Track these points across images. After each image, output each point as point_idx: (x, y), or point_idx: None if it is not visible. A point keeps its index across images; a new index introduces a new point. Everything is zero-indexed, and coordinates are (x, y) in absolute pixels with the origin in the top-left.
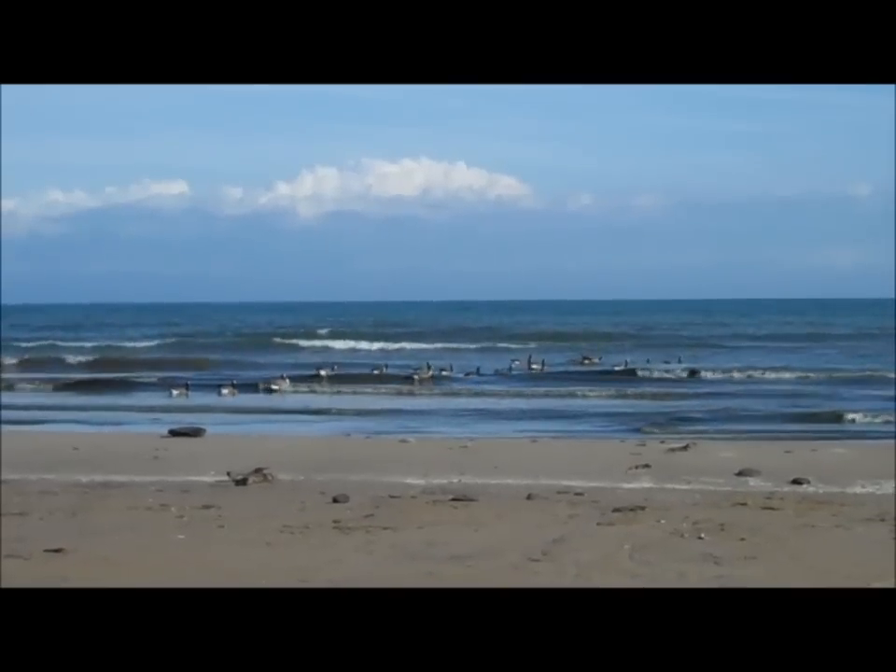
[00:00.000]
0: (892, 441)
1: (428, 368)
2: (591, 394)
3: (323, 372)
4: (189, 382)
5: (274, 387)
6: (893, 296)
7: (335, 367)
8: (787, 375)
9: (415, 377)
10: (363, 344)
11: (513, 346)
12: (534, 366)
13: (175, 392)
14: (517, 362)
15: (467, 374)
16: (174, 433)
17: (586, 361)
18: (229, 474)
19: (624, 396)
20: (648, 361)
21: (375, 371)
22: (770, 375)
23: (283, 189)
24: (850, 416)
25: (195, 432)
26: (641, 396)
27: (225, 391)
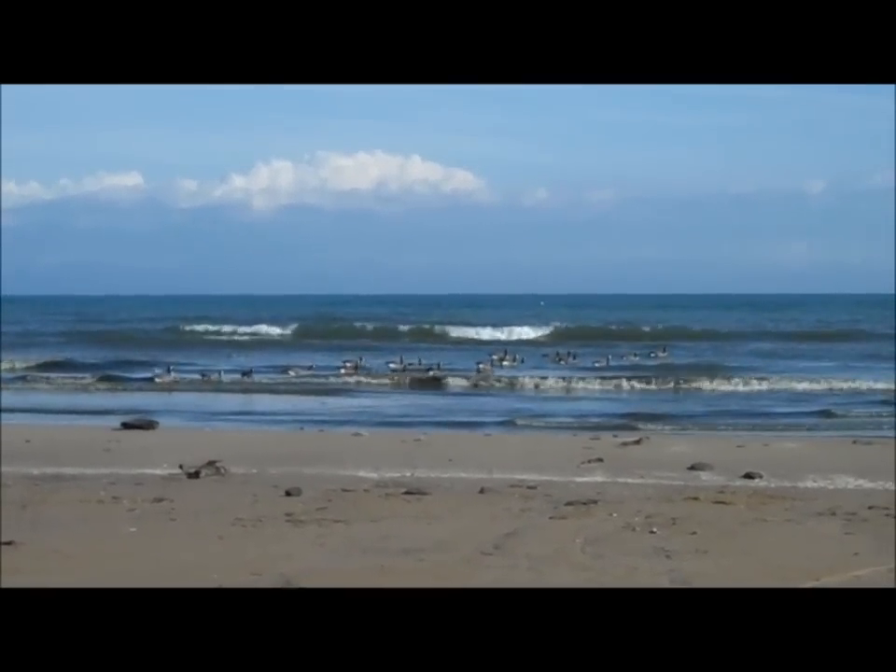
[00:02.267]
0: (844, 437)
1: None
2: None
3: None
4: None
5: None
6: (847, 291)
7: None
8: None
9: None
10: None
11: (484, 341)
12: (504, 362)
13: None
14: (482, 364)
15: (439, 369)
16: (126, 426)
17: (562, 361)
18: (181, 467)
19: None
20: (636, 356)
21: (348, 364)
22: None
23: (238, 181)
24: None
25: (148, 425)
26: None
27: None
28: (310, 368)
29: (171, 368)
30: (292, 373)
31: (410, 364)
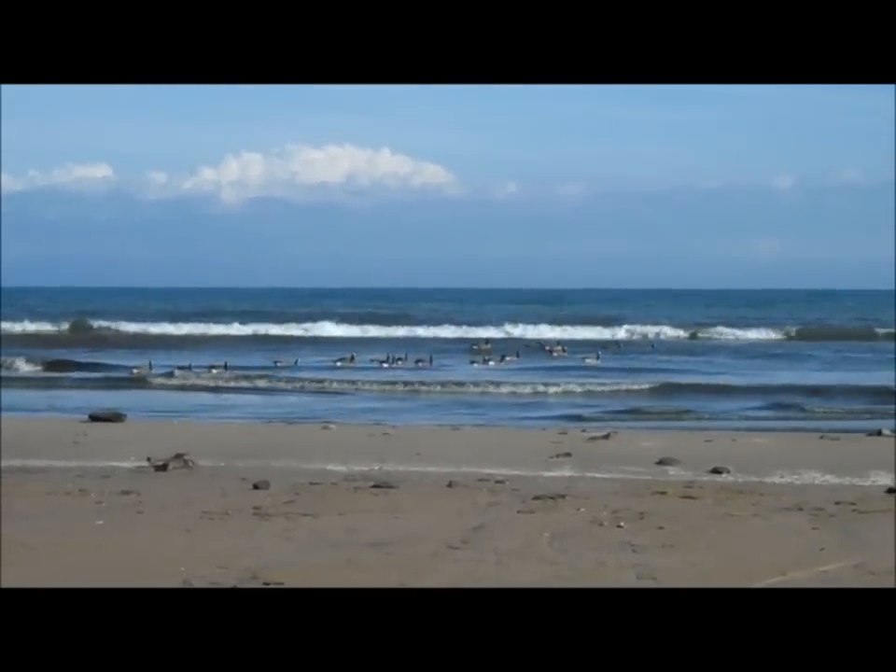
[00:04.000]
0: (812, 432)
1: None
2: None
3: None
4: None
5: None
6: (811, 287)
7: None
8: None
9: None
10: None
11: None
12: (507, 357)
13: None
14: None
15: (417, 362)
16: (94, 418)
17: (555, 353)
18: (149, 460)
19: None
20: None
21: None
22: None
23: (207, 174)
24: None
25: (116, 417)
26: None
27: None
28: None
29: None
30: (215, 371)
31: (398, 358)
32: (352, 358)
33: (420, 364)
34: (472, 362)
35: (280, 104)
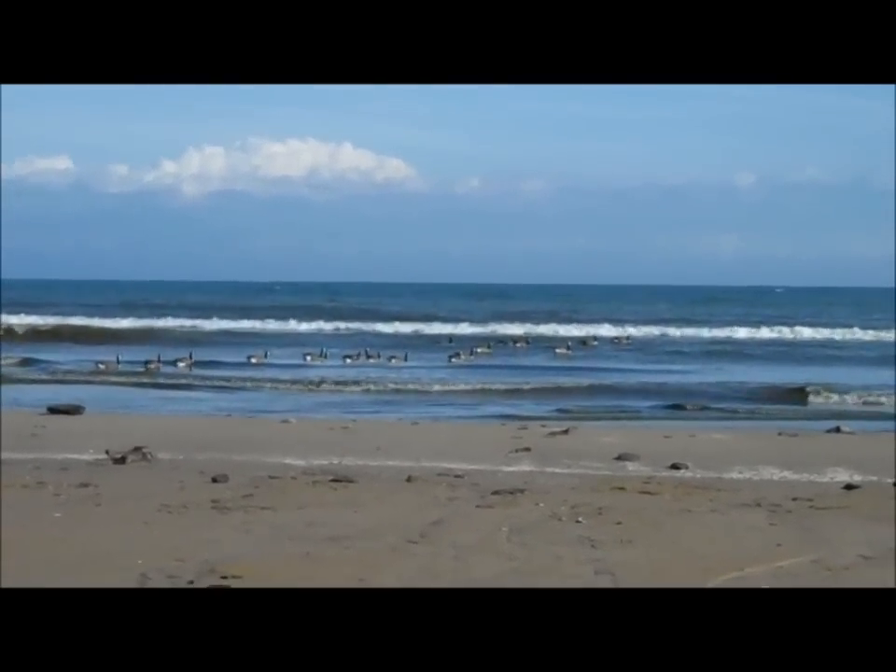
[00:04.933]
0: (770, 429)
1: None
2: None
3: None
4: None
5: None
6: (775, 284)
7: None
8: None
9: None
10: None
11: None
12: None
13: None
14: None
15: (390, 359)
16: (52, 410)
17: (518, 345)
18: (107, 452)
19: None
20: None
21: (253, 360)
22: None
23: (169, 167)
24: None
25: (74, 409)
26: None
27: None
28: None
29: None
30: (182, 365)
31: (371, 355)
32: (324, 354)
33: (394, 360)
34: (451, 357)
35: (242, 98)
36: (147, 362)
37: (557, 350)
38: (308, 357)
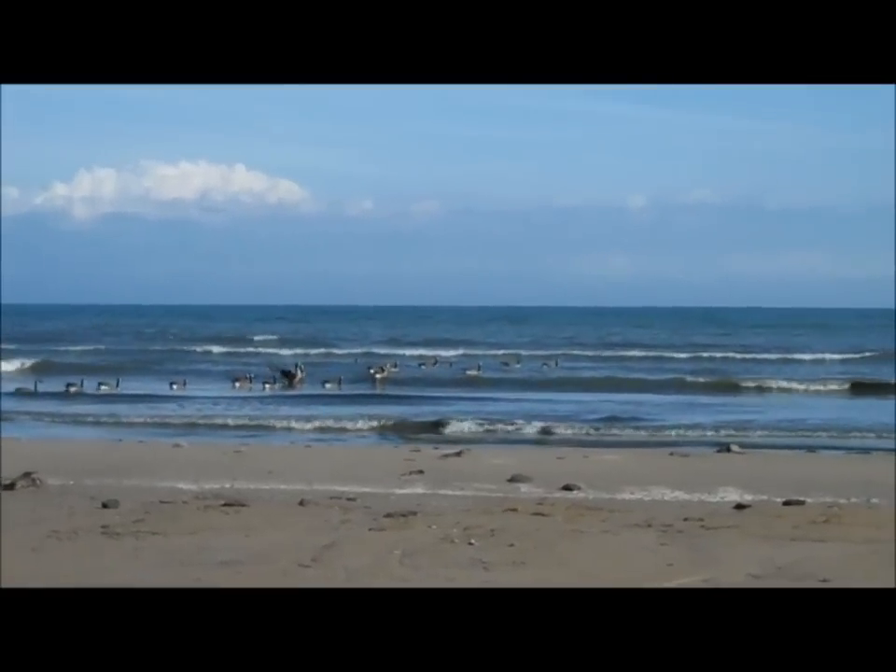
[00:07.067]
0: (661, 449)
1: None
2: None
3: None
4: None
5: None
6: (666, 305)
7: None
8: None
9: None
10: None
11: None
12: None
13: None
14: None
15: (324, 383)
16: None
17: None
18: None
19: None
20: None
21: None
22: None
23: (60, 189)
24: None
25: None
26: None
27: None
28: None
29: None
30: (105, 388)
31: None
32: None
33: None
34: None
35: (133, 119)
36: (68, 385)
37: (373, 371)
38: (174, 386)
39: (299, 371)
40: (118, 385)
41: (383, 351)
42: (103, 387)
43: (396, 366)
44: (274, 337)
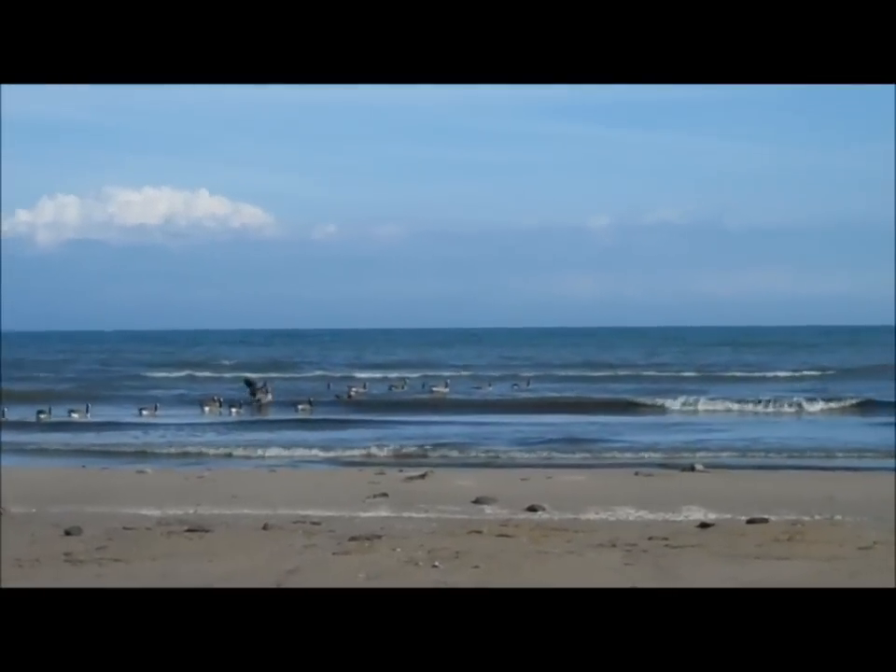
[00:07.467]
0: (626, 469)
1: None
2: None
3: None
4: None
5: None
6: (629, 325)
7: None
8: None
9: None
10: None
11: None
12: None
13: None
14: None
15: (296, 406)
16: None
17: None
18: None
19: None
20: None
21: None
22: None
23: (22, 216)
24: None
25: None
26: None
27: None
28: None
29: None
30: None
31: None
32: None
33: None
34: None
35: (96, 145)
36: (39, 412)
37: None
38: (144, 412)
39: (266, 392)
40: (87, 412)
41: (354, 374)
42: (73, 414)
43: (365, 387)
44: (242, 360)
